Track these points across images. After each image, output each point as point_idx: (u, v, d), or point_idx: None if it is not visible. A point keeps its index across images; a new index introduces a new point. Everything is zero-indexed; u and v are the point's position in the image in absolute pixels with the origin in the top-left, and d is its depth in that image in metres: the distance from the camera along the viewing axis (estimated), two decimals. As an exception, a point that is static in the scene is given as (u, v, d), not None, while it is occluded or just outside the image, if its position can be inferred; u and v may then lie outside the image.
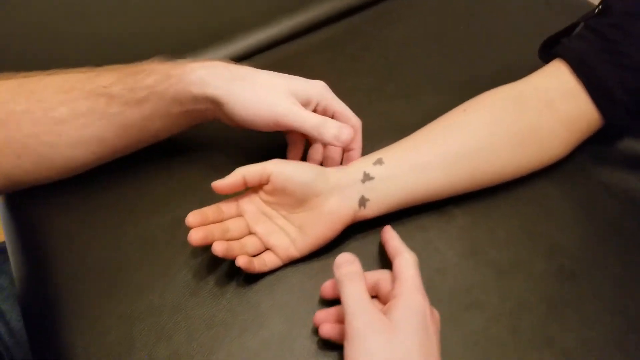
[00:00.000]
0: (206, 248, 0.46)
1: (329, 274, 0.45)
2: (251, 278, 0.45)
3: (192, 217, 0.42)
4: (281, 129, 0.45)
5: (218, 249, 0.41)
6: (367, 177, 0.45)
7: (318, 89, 0.47)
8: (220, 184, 0.43)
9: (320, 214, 0.44)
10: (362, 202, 0.44)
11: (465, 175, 0.46)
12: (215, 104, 0.45)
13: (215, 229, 0.43)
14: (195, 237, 0.41)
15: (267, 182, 0.44)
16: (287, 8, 0.69)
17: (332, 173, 0.45)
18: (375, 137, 0.49)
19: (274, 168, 0.43)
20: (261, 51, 0.66)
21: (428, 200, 0.47)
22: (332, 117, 0.47)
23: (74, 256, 0.47)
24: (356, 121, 0.48)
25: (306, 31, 0.68)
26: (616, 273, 0.45)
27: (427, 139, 0.47)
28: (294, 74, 0.53)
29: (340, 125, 0.44)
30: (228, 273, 0.45)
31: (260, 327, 0.42)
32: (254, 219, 0.46)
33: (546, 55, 0.52)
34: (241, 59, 0.66)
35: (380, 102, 0.58)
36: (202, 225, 0.43)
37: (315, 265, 0.46)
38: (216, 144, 0.50)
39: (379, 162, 0.46)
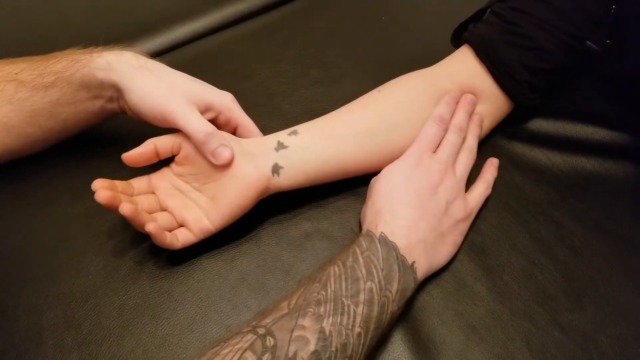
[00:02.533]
0: (119, 235, 0.46)
1: (246, 258, 0.45)
2: (165, 265, 0.44)
3: (99, 182, 0.41)
4: (170, 126, 0.43)
5: (126, 208, 0.39)
6: (281, 146, 0.45)
7: (222, 99, 0.46)
8: (131, 154, 0.42)
9: (232, 181, 0.43)
10: (276, 169, 0.44)
11: (377, 150, 0.47)
12: (119, 90, 0.44)
13: (124, 198, 0.42)
14: (103, 195, 0.39)
15: (178, 151, 0.43)
16: (215, 0, 0.69)
17: (246, 141, 0.45)
18: (299, 122, 0.49)
19: (184, 138, 0.43)
20: (190, 42, 0.66)
21: (343, 175, 0.47)
22: (236, 129, 0.48)
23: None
24: (259, 135, 0.48)
25: (235, 22, 0.68)
26: (524, 245, 0.46)
27: (342, 115, 0.48)
28: (224, 63, 0.53)
29: (223, 144, 0.42)
30: (141, 261, 0.45)
31: (172, 313, 0.42)
32: (166, 194, 0.45)
33: (456, 41, 0.54)
34: (170, 50, 0.65)
35: (305, 88, 0.58)
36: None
37: (231, 250, 0.45)
38: (132, 138, 0.49)
39: (294, 132, 0.46)
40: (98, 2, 0.68)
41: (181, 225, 0.44)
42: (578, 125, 0.53)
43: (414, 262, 0.40)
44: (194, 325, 0.41)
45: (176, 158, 0.44)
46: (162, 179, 0.45)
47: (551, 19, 0.47)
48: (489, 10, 0.52)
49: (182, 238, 0.43)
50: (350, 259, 0.39)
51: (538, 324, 0.41)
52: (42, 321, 0.41)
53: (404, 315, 0.42)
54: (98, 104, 0.46)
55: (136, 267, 0.44)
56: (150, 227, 0.40)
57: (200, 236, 0.43)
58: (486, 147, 0.52)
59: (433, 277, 0.43)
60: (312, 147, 0.45)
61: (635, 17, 0.50)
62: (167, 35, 0.66)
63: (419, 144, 0.46)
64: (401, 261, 0.39)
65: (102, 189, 0.40)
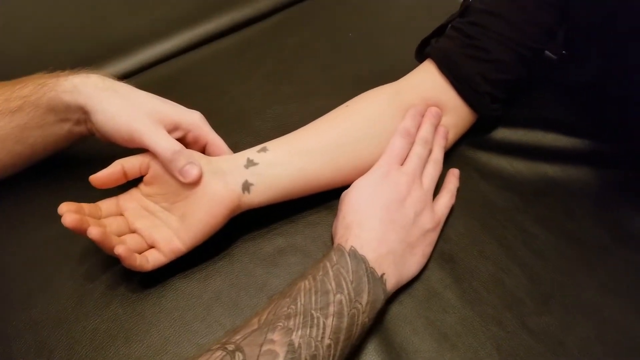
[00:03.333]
0: (91, 258, 0.46)
1: (218, 277, 0.45)
2: (136, 288, 0.44)
3: (65, 206, 0.40)
4: (137, 146, 0.44)
5: (94, 232, 0.39)
6: (250, 163, 0.45)
7: (191, 118, 0.47)
8: (99, 176, 0.42)
9: (201, 199, 0.43)
10: (246, 186, 0.44)
11: (347, 163, 0.47)
12: (86, 113, 0.44)
13: (91, 221, 0.41)
14: (70, 219, 0.39)
15: (146, 171, 0.43)
16: (185, 20, 0.70)
17: (215, 159, 0.45)
18: (270, 138, 0.50)
19: (152, 157, 0.43)
20: (161, 62, 0.66)
21: (314, 189, 0.48)
22: (204, 148, 0.48)
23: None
24: (228, 153, 0.48)
25: (205, 42, 0.69)
26: (492, 251, 0.47)
27: (311, 130, 0.49)
28: (194, 83, 0.52)
29: (191, 162, 0.42)
30: (113, 284, 0.44)
31: (145, 335, 0.42)
32: (134, 215, 0.44)
33: (420, 56, 0.55)
34: (141, 70, 0.66)
35: (276, 104, 0.59)
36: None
37: (204, 269, 0.46)
38: (101, 160, 0.49)
39: (264, 149, 0.46)
40: (67, 25, 0.68)
41: (151, 247, 0.44)
42: (540, 133, 0.54)
43: (384, 273, 0.41)
44: (168, 346, 0.41)
45: (144, 178, 0.44)
46: (130, 200, 0.45)
47: (507, 32, 0.49)
48: (449, 25, 0.53)
49: (152, 260, 0.42)
50: (321, 273, 0.39)
51: (507, 328, 0.42)
52: (12, 350, 0.41)
53: (376, 325, 0.42)
54: (66, 127, 0.46)
55: (108, 290, 0.44)
56: (119, 250, 0.40)
57: (171, 256, 0.43)
58: (452, 157, 0.53)
59: (404, 286, 0.44)
60: (282, 163, 0.46)
61: (584, 29, 0.52)
62: (137, 57, 0.66)
63: (386, 157, 0.47)
64: (370, 273, 0.40)
65: (69, 213, 0.40)
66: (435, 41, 0.53)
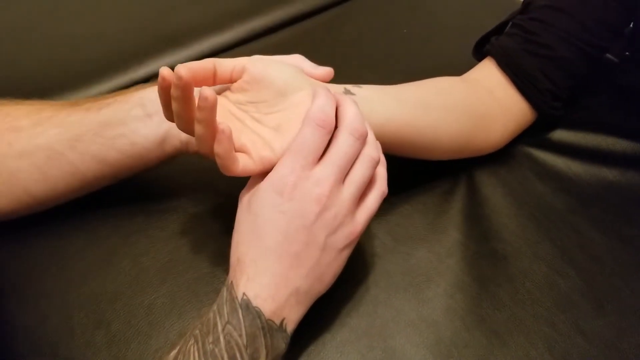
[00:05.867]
0: (147, 237, 0.47)
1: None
2: (190, 267, 0.45)
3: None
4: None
5: (208, 92, 0.31)
6: (348, 92, 0.42)
7: (294, 59, 0.44)
8: (189, 65, 0.35)
9: (303, 109, 0.37)
10: None
11: (431, 124, 0.45)
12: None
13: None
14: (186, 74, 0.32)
15: (239, 77, 0.39)
16: (239, 14, 0.71)
17: (315, 81, 0.41)
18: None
19: (249, 59, 0.39)
20: (213, 55, 0.68)
21: (399, 143, 0.44)
22: None
23: (19, 241, 0.47)
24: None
25: (258, 36, 0.70)
26: (546, 252, 0.46)
27: (399, 87, 0.47)
28: None
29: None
30: (168, 262, 0.46)
31: (198, 312, 0.42)
32: (220, 117, 0.35)
33: (479, 54, 0.55)
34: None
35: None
36: None
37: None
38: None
39: (357, 86, 0.44)
40: (123, 17, 0.71)
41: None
42: (599, 136, 0.54)
43: (284, 319, 0.35)
44: None
45: (236, 84, 0.39)
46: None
47: (571, 28, 0.48)
48: (510, 23, 0.53)
49: (242, 162, 0.35)
50: (211, 338, 0.33)
51: (560, 330, 0.42)
52: (73, 319, 0.42)
53: (427, 317, 0.42)
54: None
55: (163, 268, 0.45)
56: (223, 126, 0.33)
57: (260, 165, 0.36)
58: (508, 155, 0.53)
59: (457, 280, 0.44)
60: (377, 101, 0.43)
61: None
62: (191, 49, 0.68)
63: (293, 156, 0.35)
64: (268, 327, 0.34)
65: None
66: (496, 39, 0.53)
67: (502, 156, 0.52)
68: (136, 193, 0.50)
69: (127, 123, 0.42)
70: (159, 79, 0.34)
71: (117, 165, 0.43)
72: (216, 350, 0.32)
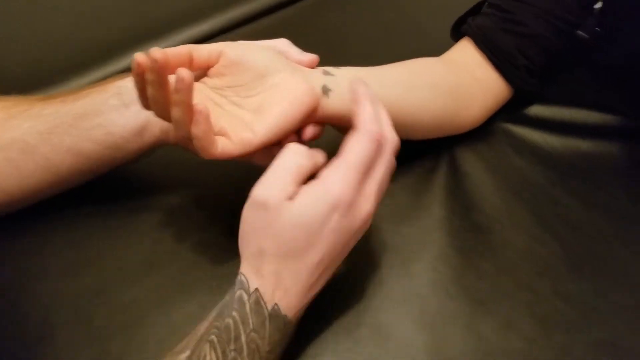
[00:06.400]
0: (130, 231, 0.47)
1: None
2: (174, 259, 0.45)
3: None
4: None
5: (184, 73, 0.32)
6: (327, 73, 0.42)
7: (281, 44, 0.44)
8: (165, 50, 0.34)
9: (283, 92, 0.38)
10: (325, 90, 0.41)
11: (413, 103, 0.46)
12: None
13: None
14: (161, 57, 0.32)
15: (216, 62, 0.39)
16: (219, 4, 0.71)
17: (293, 63, 0.42)
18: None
19: (225, 44, 0.39)
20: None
21: None
22: None
23: None
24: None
25: (244, 22, 0.70)
26: (526, 222, 0.48)
27: (378, 68, 0.48)
28: None
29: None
30: (151, 257, 0.45)
31: (184, 303, 0.42)
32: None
33: (456, 35, 0.56)
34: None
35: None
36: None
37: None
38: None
39: (337, 68, 0.44)
40: (102, 8, 0.70)
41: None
42: (573, 109, 0.55)
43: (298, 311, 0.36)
44: (205, 313, 0.41)
45: (214, 69, 0.39)
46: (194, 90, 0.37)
47: (544, 4, 0.50)
48: (486, 3, 0.54)
49: (221, 145, 0.36)
50: (232, 346, 0.33)
51: (540, 294, 0.43)
52: (53, 319, 0.42)
53: (411, 293, 0.44)
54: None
55: (146, 261, 0.45)
56: (201, 107, 0.33)
57: (241, 147, 0.36)
58: (486, 132, 0.54)
59: (441, 253, 0.46)
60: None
61: (622, 7, 0.52)
62: (172, 39, 0.68)
63: (351, 170, 0.34)
64: (288, 327, 0.35)
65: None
66: (472, 19, 0.54)
67: (482, 133, 0.53)
68: (117, 189, 0.50)
69: (103, 113, 0.42)
70: (133, 64, 0.34)
71: (94, 157, 0.43)
72: (238, 357, 0.32)
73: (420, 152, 0.53)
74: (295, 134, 0.40)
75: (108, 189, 0.49)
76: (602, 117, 0.54)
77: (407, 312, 0.43)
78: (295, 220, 0.33)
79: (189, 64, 0.38)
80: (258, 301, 0.34)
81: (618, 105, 0.55)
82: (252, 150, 0.37)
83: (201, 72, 0.40)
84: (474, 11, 0.55)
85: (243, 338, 0.33)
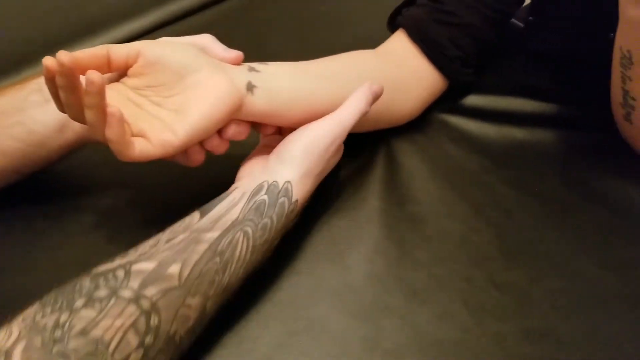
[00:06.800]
0: (59, 238, 0.46)
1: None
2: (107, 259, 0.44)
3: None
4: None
5: (95, 76, 0.31)
6: (252, 69, 0.42)
7: (203, 40, 0.44)
8: (77, 53, 0.35)
9: (204, 91, 0.38)
10: (250, 87, 0.40)
11: (341, 93, 0.45)
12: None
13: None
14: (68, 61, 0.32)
15: (135, 61, 0.38)
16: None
17: (216, 60, 0.41)
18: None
19: (143, 43, 0.38)
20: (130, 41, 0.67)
21: (312, 113, 0.44)
22: None
23: None
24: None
25: (175, 20, 0.70)
26: (461, 212, 0.48)
27: (305, 62, 0.47)
28: None
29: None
30: (85, 257, 0.44)
31: None
32: (118, 104, 0.35)
33: (392, 26, 0.56)
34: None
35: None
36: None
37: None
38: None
39: (264, 63, 0.43)
40: (38, 6, 0.68)
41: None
42: (508, 98, 0.56)
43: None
44: None
45: (133, 68, 0.38)
46: (111, 90, 0.38)
47: None
48: (420, -6, 0.54)
49: (139, 146, 0.36)
50: (261, 242, 0.38)
51: (476, 284, 0.43)
52: None
53: (345, 285, 0.43)
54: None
55: (81, 261, 0.42)
56: (113, 110, 0.33)
57: (161, 149, 0.37)
58: (423, 123, 0.54)
59: (377, 245, 0.45)
60: (283, 76, 0.43)
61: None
62: (108, 35, 0.67)
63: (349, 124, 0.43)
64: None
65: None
66: (406, 10, 0.54)
67: (419, 124, 0.53)
68: (47, 191, 0.49)
69: (24, 110, 0.41)
70: (43, 69, 0.33)
71: (17, 155, 0.42)
72: (263, 250, 0.39)
73: (357, 145, 0.52)
74: (217, 133, 0.40)
75: (39, 191, 0.48)
76: (538, 105, 0.55)
77: (343, 305, 0.42)
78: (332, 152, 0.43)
79: (107, 64, 0.37)
80: (294, 211, 0.41)
81: (554, 93, 0.56)
82: (173, 152, 0.37)
83: (121, 72, 0.39)
84: (410, 2, 0.55)
85: (272, 236, 0.39)
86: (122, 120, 0.33)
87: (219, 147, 0.41)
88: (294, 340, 0.40)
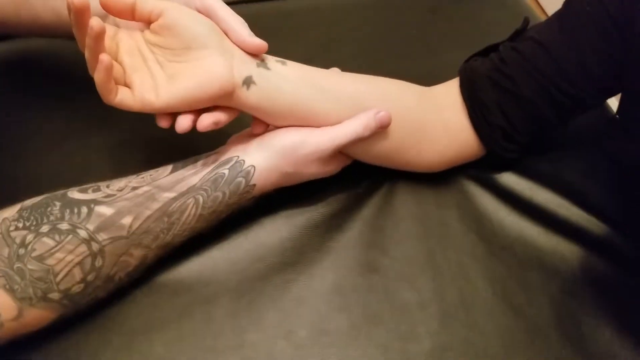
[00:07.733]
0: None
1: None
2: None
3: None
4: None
5: (95, 22, 0.34)
6: (263, 65, 0.41)
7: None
8: None
9: (198, 68, 0.39)
10: (248, 82, 0.40)
11: (334, 118, 0.43)
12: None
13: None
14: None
15: (157, 19, 0.39)
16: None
17: (231, 44, 0.41)
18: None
19: (169, 6, 0.39)
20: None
21: (298, 122, 0.43)
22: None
23: None
24: (248, 37, 0.43)
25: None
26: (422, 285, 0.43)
27: (332, 73, 0.46)
28: None
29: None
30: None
31: None
32: (126, 49, 0.40)
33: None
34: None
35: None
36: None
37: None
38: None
39: (282, 62, 0.43)
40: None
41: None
42: (547, 192, 0.48)
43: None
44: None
45: (153, 25, 0.40)
46: (129, 36, 0.41)
47: (544, 66, 0.43)
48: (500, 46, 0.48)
49: (121, 94, 0.38)
50: (208, 212, 0.41)
51: None
52: None
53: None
54: None
55: None
56: (104, 58, 0.35)
57: (139, 104, 0.39)
58: (439, 177, 0.49)
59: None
60: (292, 84, 0.42)
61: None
62: None
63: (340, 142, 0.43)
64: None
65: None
66: (475, 59, 0.49)
67: (434, 178, 0.48)
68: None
69: None
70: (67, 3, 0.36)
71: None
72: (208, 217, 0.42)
73: (364, 171, 0.49)
74: (197, 112, 0.41)
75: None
76: (577, 214, 0.46)
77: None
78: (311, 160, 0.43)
79: (132, 13, 0.40)
80: (249, 193, 0.43)
81: (603, 208, 0.46)
82: (150, 111, 0.39)
83: (145, 24, 0.42)
84: (485, 52, 0.49)
85: (221, 209, 0.42)
86: (109, 68, 0.36)
87: (200, 123, 0.41)
88: None
